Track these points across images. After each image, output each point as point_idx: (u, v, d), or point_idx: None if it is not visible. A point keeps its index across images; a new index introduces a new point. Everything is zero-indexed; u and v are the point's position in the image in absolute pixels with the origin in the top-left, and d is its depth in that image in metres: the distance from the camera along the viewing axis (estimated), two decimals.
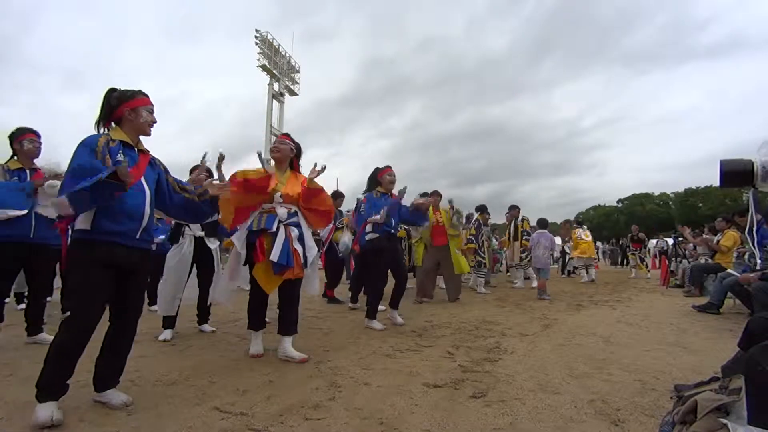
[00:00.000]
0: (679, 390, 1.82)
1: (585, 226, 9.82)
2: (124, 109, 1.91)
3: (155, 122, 2.01)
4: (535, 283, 7.56)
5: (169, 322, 3.33)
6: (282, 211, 2.64)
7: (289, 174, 2.83)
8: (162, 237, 4.08)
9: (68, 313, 1.78)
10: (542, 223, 6.81)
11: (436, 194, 5.83)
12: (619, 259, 12.97)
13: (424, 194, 5.04)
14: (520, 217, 7.80)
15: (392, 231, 3.88)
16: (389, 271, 3.95)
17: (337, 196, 6.00)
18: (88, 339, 1.76)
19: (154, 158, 2.05)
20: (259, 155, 2.82)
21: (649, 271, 10.47)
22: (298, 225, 2.72)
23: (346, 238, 5.40)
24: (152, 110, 2.00)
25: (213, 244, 3.57)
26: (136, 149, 1.93)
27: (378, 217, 3.72)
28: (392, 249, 3.91)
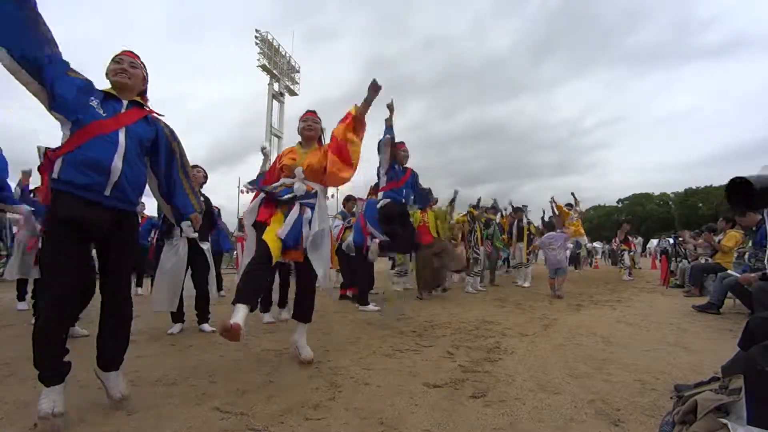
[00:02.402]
0: (679, 390, 1.82)
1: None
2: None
3: (123, 70, 1.90)
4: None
5: (177, 316, 3.49)
6: (299, 186, 2.48)
7: (314, 146, 2.71)
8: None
9: None
10: (549, 225, 6.83)
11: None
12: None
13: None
14: (525, 220, 7.88)
15: (403, 201, 3.92)
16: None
17: (349, 198, 6.07)
18: (66, 311, 1.69)
19: (157, 119, 2.00)
20: (263, 150, 2.74)
21: (621, 270, 10.36)
22: (313, 207, 2.52)
23: (351, 238, 5.48)
24: (120, 59, 1.91)
25: (205, 245, 3.68)
26: (124, 102, 1.88)
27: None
28: (403, 219, 3.91)
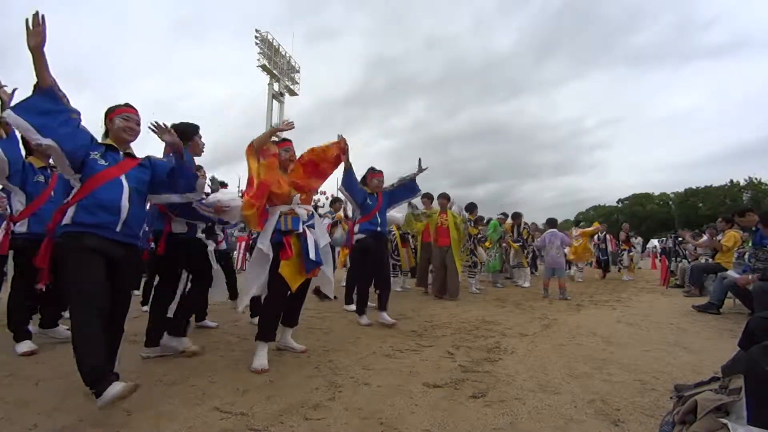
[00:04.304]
0: (679, 390, 1.82)
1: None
2: (106, 120, 2.17)
3: (131, 128, 2.14)
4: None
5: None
6: (302, 212, 2.73)
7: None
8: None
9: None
10: (552, 222, 6.78)
11: (444, 197, 5.98)
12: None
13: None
14: (522, 225, 8.10)
15: (378, 230, 3.91)
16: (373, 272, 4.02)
17: (336, 200, 6.09)
18: (98, 317, 1.80)
19: (147, 161, 2.25)
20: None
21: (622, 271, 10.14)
22: (313, 226, 2.81)
23: (338, 234, 5.49)
24: (128, 117, 2.14)
25: (210, 246, 3.66)
26: (121, 153, 2.12)
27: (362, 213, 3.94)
28: (378, 249, 3.96)
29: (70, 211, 1.93)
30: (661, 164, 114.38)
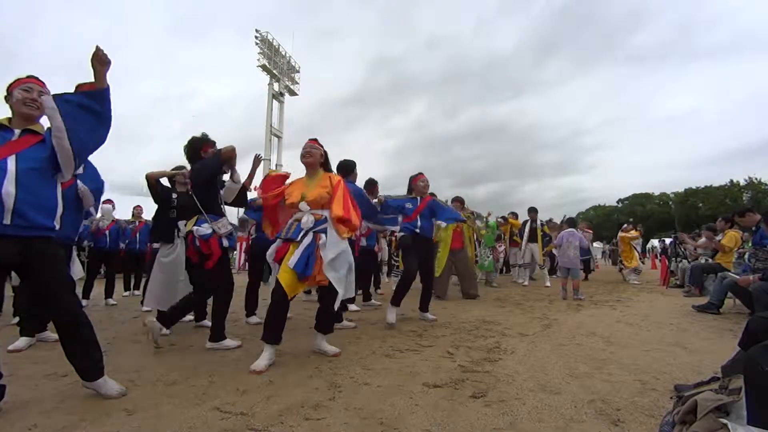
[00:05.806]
0: (679, 390, 1.82)
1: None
2: (6, 96, 1.89)
3: (33, 99, 1.87)
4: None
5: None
6: (309, 219, 2.64)
7: (321, 176, 2.82)
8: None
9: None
10: (571, 222, 6.74)
11: (458, 200, 6.06)
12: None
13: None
14: (538, 222, 8.04)
15: (417, 231, 4.10)
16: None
17: None
18: None
19: (48, 134, 1.88)
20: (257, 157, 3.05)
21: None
22: (325, 232, 2.66)
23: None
24: (29, 87, 1.88)
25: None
26: (16, 130, 1.84)
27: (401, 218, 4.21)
28: (418, 248, 4.11)
29: None
30: (661, 164, 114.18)
